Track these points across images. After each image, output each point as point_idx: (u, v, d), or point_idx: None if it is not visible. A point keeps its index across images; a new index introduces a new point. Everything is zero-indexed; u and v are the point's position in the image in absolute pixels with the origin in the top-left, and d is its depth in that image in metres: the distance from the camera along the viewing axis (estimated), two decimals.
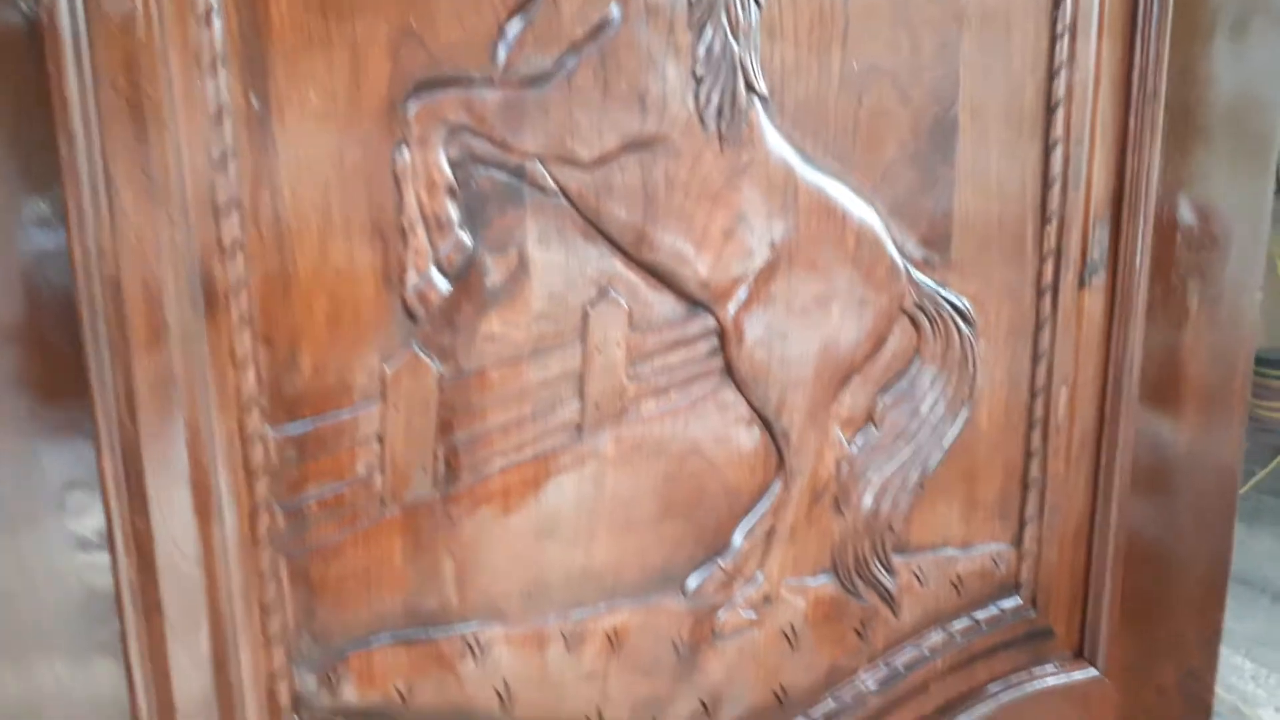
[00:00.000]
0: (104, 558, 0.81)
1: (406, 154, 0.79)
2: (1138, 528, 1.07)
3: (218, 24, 0.74)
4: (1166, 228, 1.00)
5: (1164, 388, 1.04)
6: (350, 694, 0.90)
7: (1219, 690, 2.79)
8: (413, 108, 0.79)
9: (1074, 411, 1.02)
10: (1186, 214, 1.01)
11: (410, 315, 0.83)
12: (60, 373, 0.77)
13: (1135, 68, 0.95)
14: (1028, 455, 1.02)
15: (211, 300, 0.78)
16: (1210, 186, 1.01)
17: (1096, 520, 1.06)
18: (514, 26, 0.80)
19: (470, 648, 0.91)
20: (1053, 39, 0.93)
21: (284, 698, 0.88)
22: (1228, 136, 0.99)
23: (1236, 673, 2.93)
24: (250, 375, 0.81)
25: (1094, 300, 1.00)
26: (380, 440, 0.85)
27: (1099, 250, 0.99)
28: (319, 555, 0.86)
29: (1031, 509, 1.03)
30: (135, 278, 0.77)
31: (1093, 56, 0.94)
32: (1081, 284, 0.99)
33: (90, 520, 0.81)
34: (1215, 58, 0.97)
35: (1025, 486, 1.03)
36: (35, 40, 0.71)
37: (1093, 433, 1.04)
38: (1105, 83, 0.95)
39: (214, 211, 0.77)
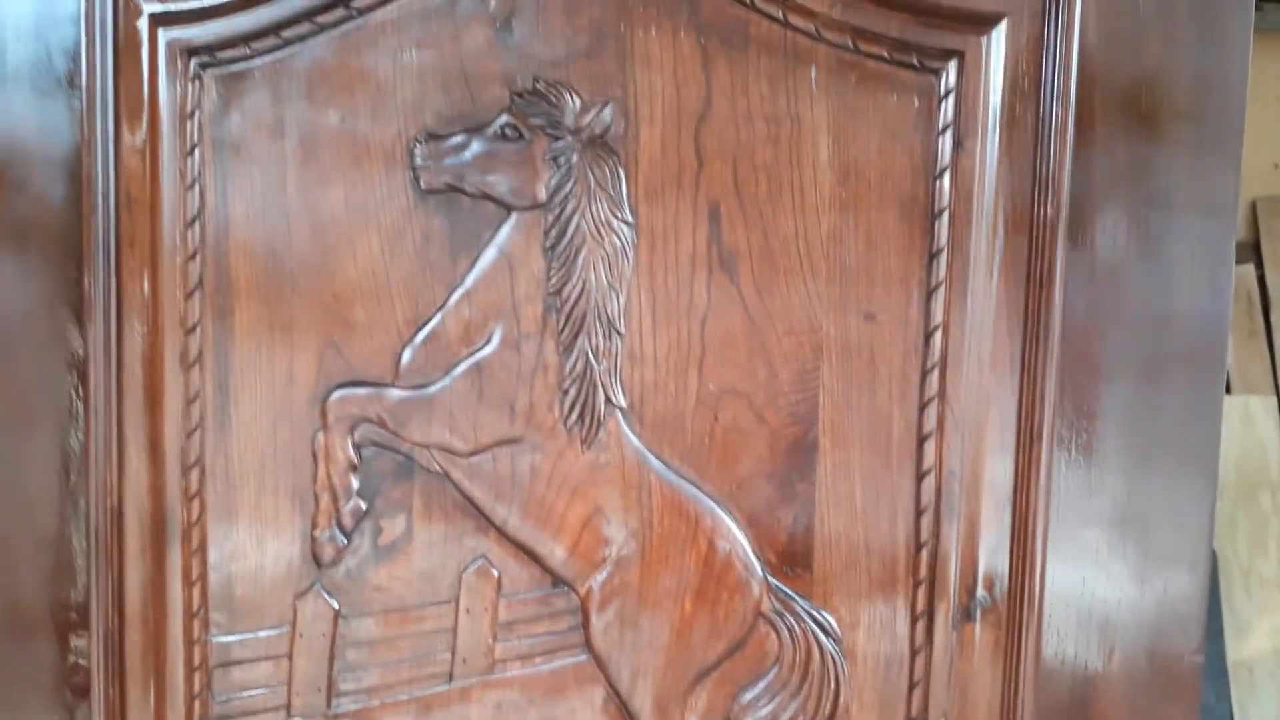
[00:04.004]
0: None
1: (321, 437, 1.01)
2: None
3: (199, 333, 1.01)
4: (1069, 572, 0.94)
5: None
6: None
7: None
8: (328, 402, 1.00)
9: None
10: (1090, 561, 0.94)
11: (316, 561, 1.02)
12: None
13: (1020, 407, 0.93)
14: None
15: (178, 532, 1.04)
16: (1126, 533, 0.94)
17: None
18: (413, 344, 0.99)
19: None
20: (923, 373, 0.94)
21: None
22: (1152, 482, 0.93)
23: None
24: (198, 592, 1.04)
25: (988, 634, 0.96)
26: (289, 659, 1.04)
27: (994, 584, 0.96)
28: None
29: None
30: (132, 509, 1.04)
31: (971, 391, 0.94)
32: (969, 617, 0.96)
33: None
34: (1121, 397, 0.92)
35: None
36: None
37: None
38: (994, 417, 0.94)
39: (184, 468, 1.03)
